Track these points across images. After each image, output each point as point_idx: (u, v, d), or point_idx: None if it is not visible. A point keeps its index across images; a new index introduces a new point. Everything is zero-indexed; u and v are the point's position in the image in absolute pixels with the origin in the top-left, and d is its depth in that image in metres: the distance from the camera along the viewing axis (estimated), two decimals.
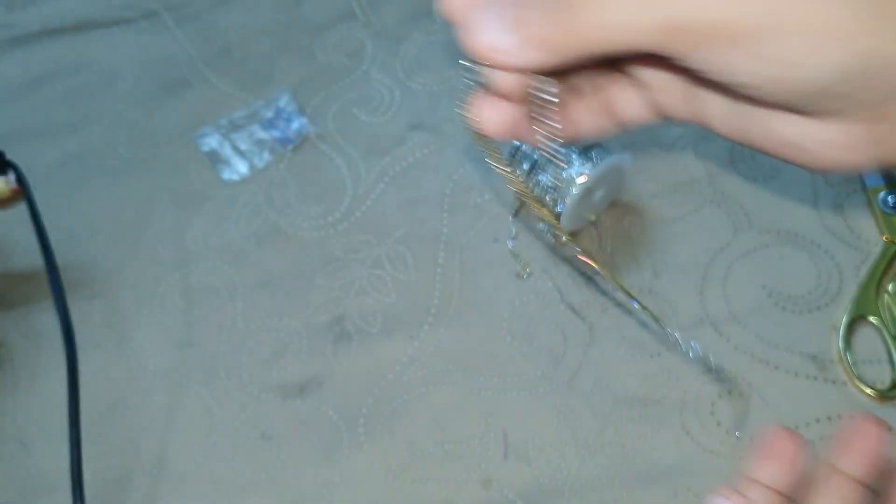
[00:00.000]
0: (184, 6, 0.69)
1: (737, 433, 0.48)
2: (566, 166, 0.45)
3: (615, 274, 0.54)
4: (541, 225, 0.56)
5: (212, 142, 0.41)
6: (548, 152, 0.29)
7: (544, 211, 0.54)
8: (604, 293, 0.53)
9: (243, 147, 0.45)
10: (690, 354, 0.27)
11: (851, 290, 0.51)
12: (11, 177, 0.54)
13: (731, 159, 0.57)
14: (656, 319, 0.41)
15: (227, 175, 0.45)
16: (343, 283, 0.56)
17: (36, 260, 0.59)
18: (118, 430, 0.53)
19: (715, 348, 0.50)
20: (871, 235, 0.53)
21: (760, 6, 0.25)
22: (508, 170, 0.31)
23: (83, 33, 0.69)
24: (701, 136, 0.58)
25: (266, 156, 0.45)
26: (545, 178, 0.52)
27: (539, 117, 0.30)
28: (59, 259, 0.52)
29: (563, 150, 0.51)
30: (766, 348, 0.50)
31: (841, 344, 0.49)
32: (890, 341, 0.49)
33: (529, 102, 0.30)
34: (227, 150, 0.43)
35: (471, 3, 0.28)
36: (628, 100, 0.34)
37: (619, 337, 0.52)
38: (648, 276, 0.53)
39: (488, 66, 0.29)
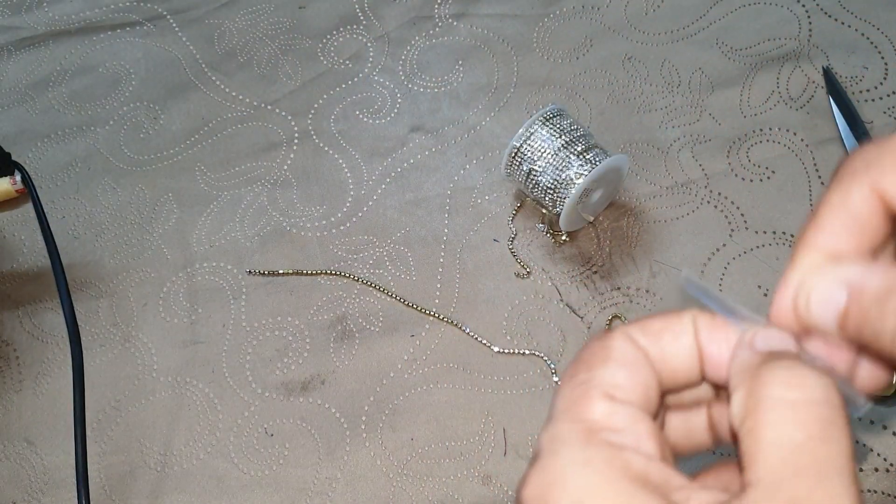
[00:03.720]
0: (188, 10, 0.70)
1: None
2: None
3: (613, 273, 0.54)
4: (540, 225, 0.57)
5: None
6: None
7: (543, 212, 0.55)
8: (601, 293, 0.54)
9: None
10: None
11: None
12: (18, 177, 0.55)
13: (728, 161, 0.57)
14: None
15: None
16: (345, 283, 0.57)
17: (42, 259, 0.60)
18: (123, 428, 0.54)
19: None
20: None
21: None
22: None
23: (89, 36, 0.70)
24: (697, 139, 0.58)
25: None
26: (544, 180, 0.53)
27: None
28: (65, 259, 0.52)
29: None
30: None
31: None
32: None
33: None
34: None
35: None
36: None
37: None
38: (646, 275, 0.54)
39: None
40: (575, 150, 0.52)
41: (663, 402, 0.26)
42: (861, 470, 0.47)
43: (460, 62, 0.65)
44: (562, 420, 0.23)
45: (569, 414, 0.23)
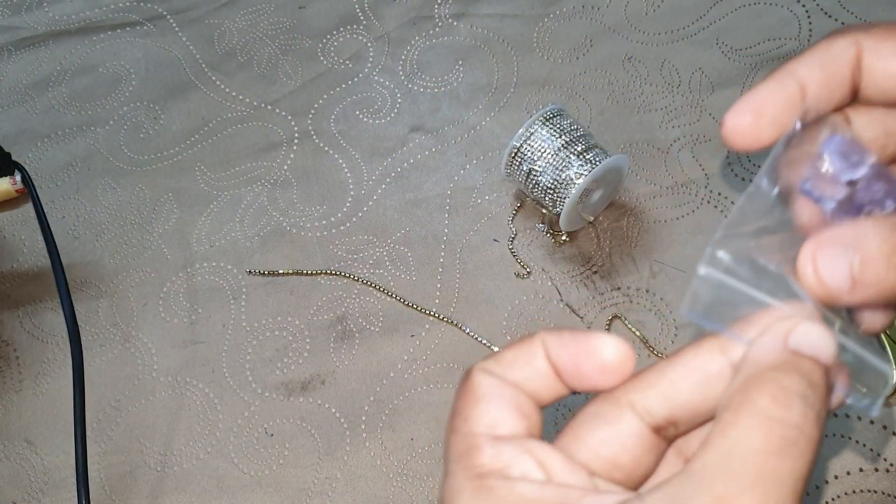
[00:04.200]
0: (188, 10, 0.70)
1: None
2: None
3: (613, 273, 0.54)
4: (540, 225, 0.57)
5: None
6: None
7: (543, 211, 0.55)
8: (601, 293, 0.54)
9: None
10: None
11: None
12: (18, 177, 0.55)
13: (728, 161, 0.57)
14: None
15: None
16: (345, 283, 0.57)
17: (42, 259, 0.60)
18: (123, 428, 0.54)
19: None
20: None
21: None
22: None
23: (89, 36, 0.70)
24: (697, 138, 0.58)
25: None
26: (544, 180, 0.53)
27: None
28: (65, 259, 0.52)
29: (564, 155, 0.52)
30: None
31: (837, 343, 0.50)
32: (886, 342, 0.50)
33: None
34: None
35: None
36: None
37: (617, 336, 0.52)
38: (646, 275, 0.54)
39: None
40: (575, 150, 0.52)
41: None
42: (861, 470, 0.47)
43: (460, 62, 0.65)
44: (454, 472, 0.24)
45: (460, 464, 0.24)
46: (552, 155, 0.52)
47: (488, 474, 0.23)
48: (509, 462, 0.23)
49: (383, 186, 0.60)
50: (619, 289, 0.54)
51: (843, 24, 0.61)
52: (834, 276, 0.23)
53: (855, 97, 0.27)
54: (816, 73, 0.26)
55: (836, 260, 0.23)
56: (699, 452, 0.21)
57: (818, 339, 0.23)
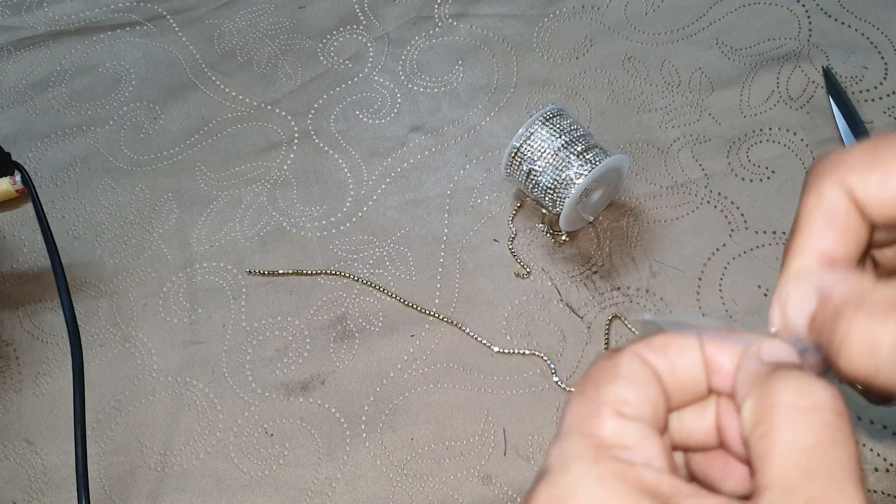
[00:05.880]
0: (188, 10, 0.70)
1: None
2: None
3: (613, 273, 0.54)
4: (540, 225, 0.57)
5: None
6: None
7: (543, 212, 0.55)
8: (601, 293, 0.54)
9: None
10: None
11: None
12: (18, 178, 0.55)
13: (728, 161, 0.57)
14: None
15: None
16: (345, 283, 0.57)
17: (42, 259, 0.60)
18: (123, 428, 0.54)
19: None
20: None
21: None
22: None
23: (89, 36, 0.70)
24: (697, 138, 0.58)
25: None
26: (544, 180, 0.53)
27: None
28: (65, 259, 0.52)
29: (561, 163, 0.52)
30: None
31: None
32: None
33: None
34: None
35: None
36: None
37: (617, 335, 0.53)
38: (646, 275, 0.54)
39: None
40: (575, 150, 0.52)
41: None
42: None
43: (460, 62, 0.65)
44: (571, 436, 0.23)
45: (578, 430, 0.23)
46: (552, 155, 0.52)
47: (608, 447, 0.23)
48: (630, 443, 0.23)
49: (383, 186, 0.60)
50: (619, 289, 0.54)
51: (843, 23, 0.61)
52: (795, 311, 0.24)
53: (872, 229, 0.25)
54: (831, 239, 0.24)
55: (803, 296, 0.24)
56: (760, 470, 0.21)
57: (781, 351, 0.24)
